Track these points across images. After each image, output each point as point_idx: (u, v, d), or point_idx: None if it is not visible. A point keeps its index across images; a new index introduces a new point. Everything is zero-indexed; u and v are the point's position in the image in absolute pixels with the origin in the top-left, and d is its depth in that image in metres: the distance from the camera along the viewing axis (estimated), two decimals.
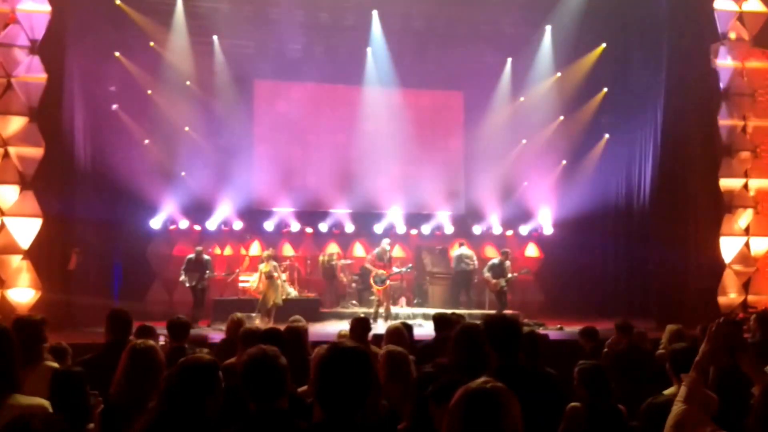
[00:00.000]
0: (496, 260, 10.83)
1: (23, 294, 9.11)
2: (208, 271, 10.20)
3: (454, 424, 1.66)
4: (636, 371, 4.34)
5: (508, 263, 10.73)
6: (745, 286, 10.50)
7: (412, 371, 2.98)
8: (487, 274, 10.62)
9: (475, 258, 11.65)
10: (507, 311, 9.60)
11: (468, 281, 11.61)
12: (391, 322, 7.44)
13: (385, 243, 10.73)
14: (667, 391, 3.08)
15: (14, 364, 2.44)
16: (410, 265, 11.83)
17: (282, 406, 2.20)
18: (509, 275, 10.60)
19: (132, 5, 11.13)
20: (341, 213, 13.04)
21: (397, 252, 12.76)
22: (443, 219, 13.39)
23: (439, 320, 5.28)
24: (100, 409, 2.80)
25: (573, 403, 3.12)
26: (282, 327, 4.35)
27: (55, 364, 3.17)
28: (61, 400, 2.57)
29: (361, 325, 4.80)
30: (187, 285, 10.12)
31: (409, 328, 4.86)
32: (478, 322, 3.01)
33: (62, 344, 3.98)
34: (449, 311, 6.72)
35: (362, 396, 2.01)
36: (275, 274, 10.07)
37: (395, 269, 10.79)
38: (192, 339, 4.95)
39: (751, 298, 10.44)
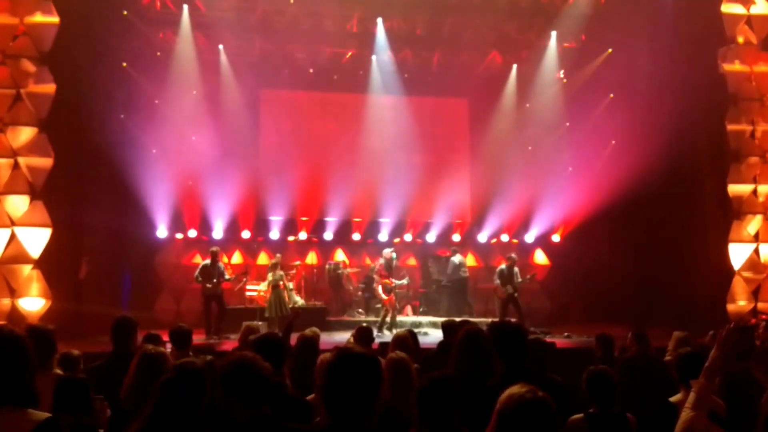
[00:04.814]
0: (503, 266, 10.69)
1: (34, 303, 9.15)
2: (224, 275, 10.02)
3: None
4: (646, 379, 4.28)
5: (516, 269, 10.61)
6: (755, 294, 10.37)
7: (414, 377, 2.97)
8: (497, 282, 10.54)
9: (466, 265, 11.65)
10: (510, 318, 9.45)
11: (466, 289, 11.57)
12: (396, 331, 7.41)
13: (388, 252, 10.41)
14: (673, 398, 3.03)
15: (32, 375, 2.12)
16: (407, 278, 11.16)
17: (266, 411, 2.20)
18: (518, 280, 10.48)
19: (139, 16, 11.25)
20: (347, 221, 13.04)
21: (403, 261, 12.72)
22: (449, 227, 13.34)
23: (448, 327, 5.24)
24: (108, 414, 2.82)
25: (574, 416, 3.09)
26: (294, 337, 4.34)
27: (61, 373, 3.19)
28: (66, 407, 2.58)
29: (364, 334, 4.80)
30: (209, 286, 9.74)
31: (413, 336, 4.82)
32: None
33: (73, 353, 4.01)
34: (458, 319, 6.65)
35: (370, 401, 2.00)
36: (281, 283, 10.04)
37: (395, 282, 10.35)
38: (195, 347, 4.96)
39: (761, 305, 10.28)
